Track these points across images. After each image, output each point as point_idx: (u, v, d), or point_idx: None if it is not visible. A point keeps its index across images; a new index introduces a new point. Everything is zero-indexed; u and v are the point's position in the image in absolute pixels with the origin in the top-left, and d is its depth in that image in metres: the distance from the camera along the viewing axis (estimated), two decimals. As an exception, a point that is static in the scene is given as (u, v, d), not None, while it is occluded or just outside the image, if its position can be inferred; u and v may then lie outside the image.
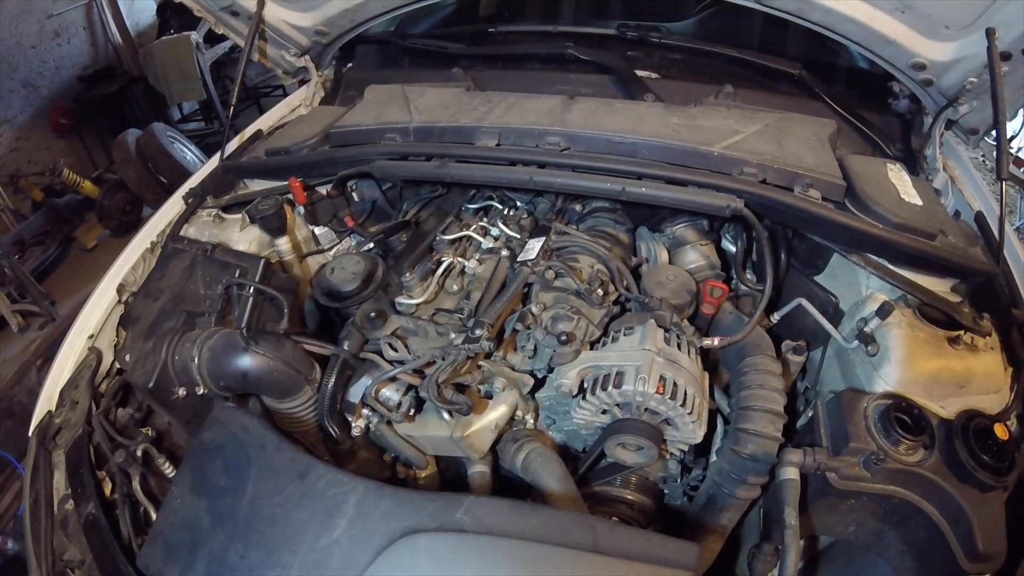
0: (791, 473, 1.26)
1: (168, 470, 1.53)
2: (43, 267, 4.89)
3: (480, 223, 1.76)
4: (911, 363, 1.37)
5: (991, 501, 1.22)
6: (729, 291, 1.57)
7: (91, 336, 1.78)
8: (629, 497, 1.55)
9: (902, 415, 1.27)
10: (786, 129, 1.70)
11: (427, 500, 1.01)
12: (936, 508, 1.23)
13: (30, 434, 1.63)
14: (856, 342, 1.45)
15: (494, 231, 1.73)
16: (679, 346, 1.39)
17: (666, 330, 1.41)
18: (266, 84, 6.67)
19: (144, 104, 6.13)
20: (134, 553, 1.33)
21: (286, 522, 1.08)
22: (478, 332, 1.30)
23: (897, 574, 1.34)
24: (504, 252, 1.65)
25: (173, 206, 2.07)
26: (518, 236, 1.71)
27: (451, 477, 1.60)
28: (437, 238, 1.75)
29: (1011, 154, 6.36)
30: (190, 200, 2.03)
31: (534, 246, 1.54)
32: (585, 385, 1.37)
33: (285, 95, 2.66)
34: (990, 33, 1.62)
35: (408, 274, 1.53)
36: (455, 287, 1.59)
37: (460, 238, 1.73)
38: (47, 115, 5.48)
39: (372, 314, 1.44)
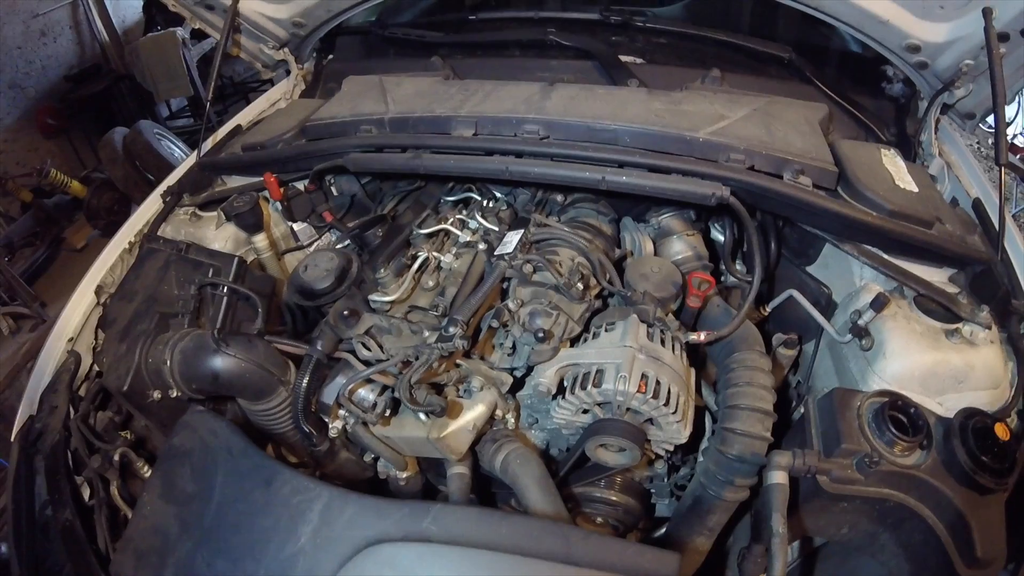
0: (779, 478, 1.18)
1: (147, 474, 1.50)
2: (33, 269, 4.85)
3: (458, 216, 1.71)
4: (907, 357, 1.31)
5: (990, 504, 1.16)
6: (716, 283, 1.52)
7: (71, 339, 1.74)
8: (613, 498, 1.50)
9: (898, 414, 1.20)
10: (775, 114, 1.63)
11: (393, 508, 0.97)
12: (933, 512, 1.16)
13: (12, 439, 1.60)
14: (849, 335, 1.39)
15: (472, 224, 1.67)
16: (663, 342, 1.35)
17: (649, 325, 1.37)
18: (255, 79, 6.57)
19: (131, 102, 6.05)
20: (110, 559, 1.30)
21: (251, 529, 1.04)
22: (451, 330, 1.25)
23: (892, 576, 1.29)
24: (481, 246, 1.60)
25: (151, 205, 2.02)
26: (496, 229, 1.65)
27: (433, 478, 1.55)
28: (413, 232, 1.70)
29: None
30: (168, 199, 1.99)
31: (512, 239, 1.49)
32: (565, 384, 1.33)
33: (274, 90, 2.60)
34: (987, 13, 1.55)
35: (383, 270, 1.48)
36: (431, 283, 1.54)
37: (437, 232, 1.68)
38: (34, 116, 5.42)
39: (345, 312, 1.40)
